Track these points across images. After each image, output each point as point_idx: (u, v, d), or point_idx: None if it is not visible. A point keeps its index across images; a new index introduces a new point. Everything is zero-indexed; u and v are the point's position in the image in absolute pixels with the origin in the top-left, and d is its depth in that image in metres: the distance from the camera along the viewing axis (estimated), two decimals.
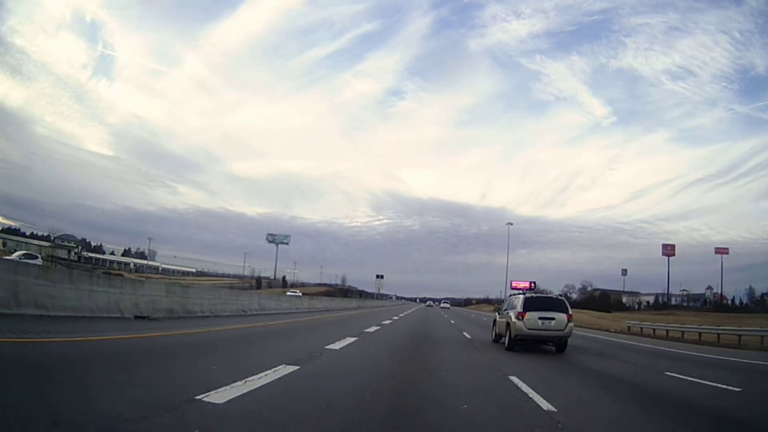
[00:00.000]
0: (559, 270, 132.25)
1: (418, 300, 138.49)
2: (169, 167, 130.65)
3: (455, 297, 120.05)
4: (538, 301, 10.69)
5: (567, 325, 10.21)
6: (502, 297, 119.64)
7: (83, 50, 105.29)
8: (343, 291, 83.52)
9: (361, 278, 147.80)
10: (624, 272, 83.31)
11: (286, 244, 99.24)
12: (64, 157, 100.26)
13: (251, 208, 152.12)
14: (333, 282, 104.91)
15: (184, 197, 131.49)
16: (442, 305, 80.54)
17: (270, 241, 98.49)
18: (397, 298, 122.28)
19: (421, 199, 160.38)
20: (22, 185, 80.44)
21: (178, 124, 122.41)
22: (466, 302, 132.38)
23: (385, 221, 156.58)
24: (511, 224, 61.63)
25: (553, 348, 10.50)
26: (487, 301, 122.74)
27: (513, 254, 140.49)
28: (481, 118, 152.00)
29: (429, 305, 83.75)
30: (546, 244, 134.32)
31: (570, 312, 10.50)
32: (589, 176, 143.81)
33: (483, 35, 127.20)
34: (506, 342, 10.51)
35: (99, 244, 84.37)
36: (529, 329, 10.00)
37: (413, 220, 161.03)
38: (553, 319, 10.16)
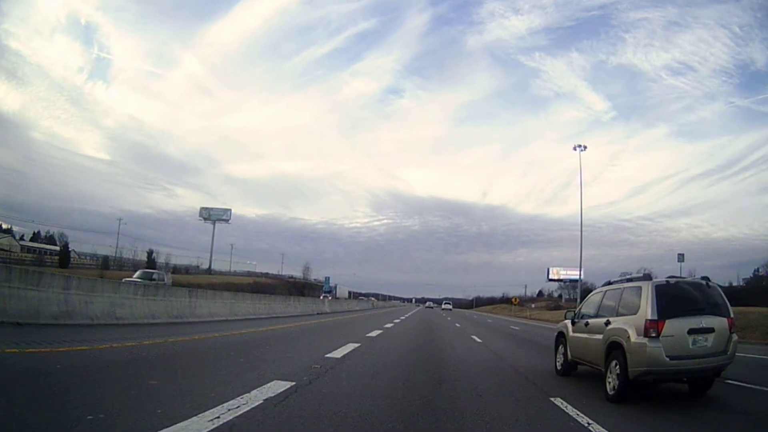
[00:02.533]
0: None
1: (414, 300, 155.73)
2: (166, 170, 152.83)
3: (456, 297, 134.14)
4: (682, 296, 6.62)
5: (730, 340, 6.49)
6: (528, 294, 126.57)
7: (79, 53, 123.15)
8: (298, 286, 79.94)
9: (358, 279, 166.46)
10: (680, 257, 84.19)
11: (226, 221, 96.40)
12: (62, 161, 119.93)
13: (251, 210, 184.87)
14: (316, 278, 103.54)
15: (182, 200, 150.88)
16: (443, 306, 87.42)
17: (205, 218, 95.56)
18: (365, 297, 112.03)
19: (421, 198, 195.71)
20: (20, 190, 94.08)
21: (175, 127, 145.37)
22: (477, 302, 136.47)
23: (385, 221, 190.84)
24: (584, 148, 45.36)
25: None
26: (506, 301, 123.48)
27: (512, 253, 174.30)
28: (481, 115, 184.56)
29: (429, 306, 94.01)
30: (547, 242, 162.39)
31: (732, 314, 6.70)
32: (591, 173, 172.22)
33: (481, 32, 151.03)
34: (612, 384, 6.44)
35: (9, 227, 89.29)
36: (671, 358, 6.02)
37: (413, 220, 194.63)
38: (710, 330, 6.28)
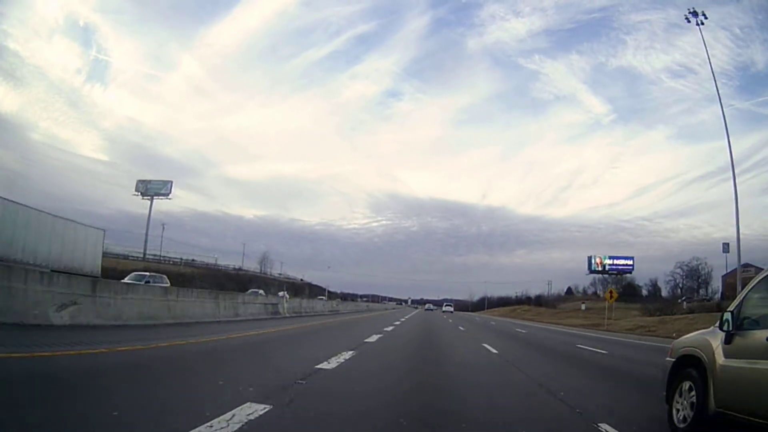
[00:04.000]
0: (561, 269, 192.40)
1: (410, 301, 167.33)
2: (165, 172, 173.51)
3: (459, 299, 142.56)
4: None
5: None
6: (554, 291, 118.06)
7: (77, 55, 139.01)
8: (239, 280, 68.65)
9: (355, 280, 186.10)
10: (725, 247, 77.65)
11: (166, 195, 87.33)
12: (60, 163, 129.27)
13: (249, 211, 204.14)
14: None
15: (180, 201, 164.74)
16: (444, 308, 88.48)
17: (142, 193, 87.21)
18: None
19: (420, 199, 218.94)
20: (19, 192, 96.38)
21: (173, 129, 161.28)
22: (482, 303, 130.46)
23: (384, 222, 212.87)
24: (704, 19, 36.96)
25: None
26: (525, 302, 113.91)
27: (512, 254, 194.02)
28: (480, 118, 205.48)
29: (429, 309, 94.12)
30: (545, 243, 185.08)
31: None
32: (591, 175, 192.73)
33: (482, 34, 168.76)
34: None
35: None
36: None
37: (412, 221, 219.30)
38: None
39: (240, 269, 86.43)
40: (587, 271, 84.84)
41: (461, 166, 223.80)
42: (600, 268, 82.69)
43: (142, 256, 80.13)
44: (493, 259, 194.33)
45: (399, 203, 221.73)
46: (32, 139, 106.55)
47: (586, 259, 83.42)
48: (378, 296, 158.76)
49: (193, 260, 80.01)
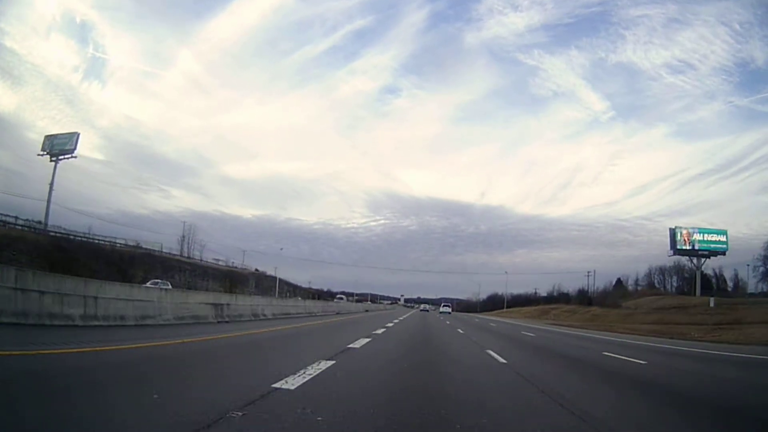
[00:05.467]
0: (558, 268, 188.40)
1: (402, 300, 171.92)
2: (162, 171, 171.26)
3: (459, 298, 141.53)
4: None
5: None
6: (598, 286, 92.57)
7: (74, 52, 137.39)
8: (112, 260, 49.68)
9: (354, 279, 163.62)
10: None
11: (71, 153, 69.82)
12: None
13: (246, 210, 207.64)
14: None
15: (178, 201, 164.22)
16: (441, 309, 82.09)
17: (49, 153, 70.70)
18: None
19: (418, 199, 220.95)
20: (16, 191, 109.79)
21: (170, 127, 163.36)
22: (491, 302, 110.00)
23: (382, 221, 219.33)
24: None
25: None
26: (559, 299, 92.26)
27: (511, 254, 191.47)
28: (479, 115, 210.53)
29: (424, 310, 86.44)
30: (544, 242, 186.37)
31: None
32: (591, 173, 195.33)
33: (480, 29, 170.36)
34: None
35: None
36: None
37: (411, 220, 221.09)
38: None
39: (129, 245, 64.53)
40: (670, 252, 62.21)
41: (459, 164, 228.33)
42: (688, 247, 59.85)
43: None
44: (492, 258, 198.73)
45: (397, 202, 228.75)
46: (30, 138, 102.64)
47: (668, 232, 60.44)
48: (368, 294, 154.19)
49: (40, 222, 59.18)
